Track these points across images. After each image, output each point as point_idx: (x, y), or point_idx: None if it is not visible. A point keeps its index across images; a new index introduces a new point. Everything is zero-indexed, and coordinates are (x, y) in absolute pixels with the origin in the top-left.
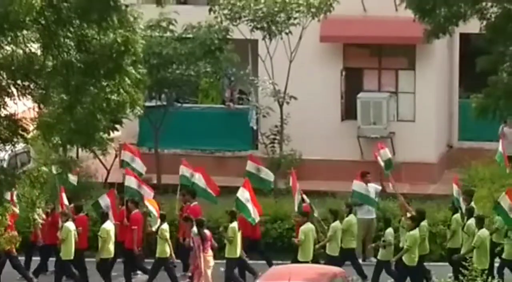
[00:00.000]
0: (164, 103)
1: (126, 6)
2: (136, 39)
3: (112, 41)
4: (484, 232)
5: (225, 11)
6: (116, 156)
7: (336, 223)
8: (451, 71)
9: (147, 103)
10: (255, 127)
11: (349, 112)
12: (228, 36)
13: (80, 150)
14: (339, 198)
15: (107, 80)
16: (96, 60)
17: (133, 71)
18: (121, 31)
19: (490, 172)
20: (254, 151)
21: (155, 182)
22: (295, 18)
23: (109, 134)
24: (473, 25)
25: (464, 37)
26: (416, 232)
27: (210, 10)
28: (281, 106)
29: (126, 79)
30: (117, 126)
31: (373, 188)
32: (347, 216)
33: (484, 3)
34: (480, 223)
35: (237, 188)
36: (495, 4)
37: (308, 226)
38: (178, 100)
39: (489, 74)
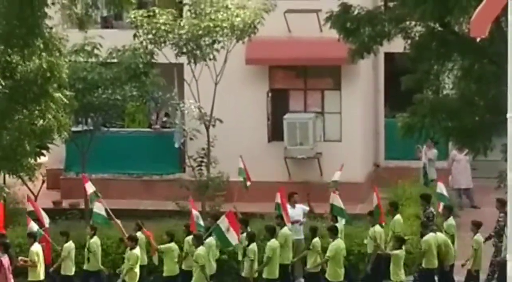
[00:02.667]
0: (91, 127)
1: (51, 28)
2: (61, 64)
3: (37, 66)
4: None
5: (150, 36)
6: (43, 182)
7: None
8: (376, 90)
9: (74, 128)
10: (177, 146)
11: (275, 133)
12: (154, 60)
13: (7, 176)
14: (268, 219)
15: (33, 106)
16: (22, 86)
17: (59, 95)
18: (45, 56)
19: (416, 190)
20: (181, 174)
21: (82, 207)
22: (219, 42)
23: (36, 160)
24: (398, 44)
25: (388, 56)
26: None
27: (134, 35)
28: (207, 129)
29: (52, 104)
30: (44, 151)
31: (300, 209)
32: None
33: (408, 22)
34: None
35: (165, 211)
36: (418, 23)
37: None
38: (104, 124)
39: (414, 93)
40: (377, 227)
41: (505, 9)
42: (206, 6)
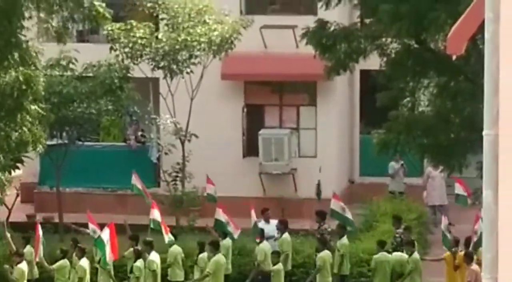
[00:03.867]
0: (66, 141)
1: (27, 41)
2: (37, 76)
3: (13, 79)
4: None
5: (126, 49)
6: (17, 195)
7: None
8: (352, 107)
9: (48, 142)
10: (153, 160)
11: (251, 148)
12: (129, 75)
13: None
14: (244, 234)
15: (8, 119)
16: None
17: (35, 108)
18: (22, 69)
19: (391, 206)
20: (156, 189)
21: (56, 220)
22: (196, 57)
23: (10, 173)
24: (373, 62)
25: (364, 73)
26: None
27: (111, 48)
28: (182, 143)
29: (28, 117)
30: (18, 165)
31: (275, 225)
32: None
33: (384, 39)
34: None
35: (139, 226)
36: (394, 40)
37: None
38: (79, 138)
39: (389, 110)
40: (261, 245)
41: (481, 27)
42: (184, 20)
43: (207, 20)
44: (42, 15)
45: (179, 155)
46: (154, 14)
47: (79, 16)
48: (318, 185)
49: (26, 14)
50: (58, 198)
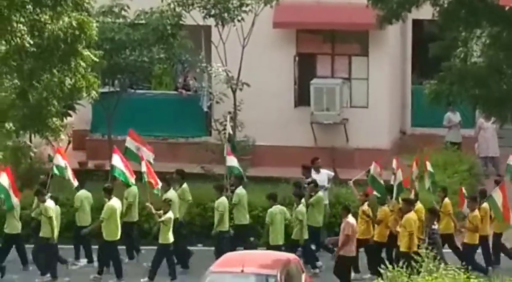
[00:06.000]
0: (117, 89)
1: None
2: (90, 21)
3: (66, 24)
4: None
5: None
6: (69, 142)
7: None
8: (404, 57)
9: (101, 89)
10: (205, 109)
11: (302, 98)
12: (181, 22)
13: (33, 136)
14: (293, 184)
15: (62, 65)
16: (50, 45)
17: (89, 54)
18: (75, 14)
19: (442, 158)
20: (207, 137)
21: (108, 168)
22: (247, 5)
23: (62, 120)
24: (426, 11)
25: (417, 23)
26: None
27: None
28: (234, 92)
29: (82, 63)
30: (70, 112)
31: (325, 174)
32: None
33: None
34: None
35: (190, 174)
36: None
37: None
38: (131, 86)
39: (442, 60)
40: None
41: None
42: None
43: None
44: None
45: (230, 103)
46: None
47: None
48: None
49: None
50: (110, 145)
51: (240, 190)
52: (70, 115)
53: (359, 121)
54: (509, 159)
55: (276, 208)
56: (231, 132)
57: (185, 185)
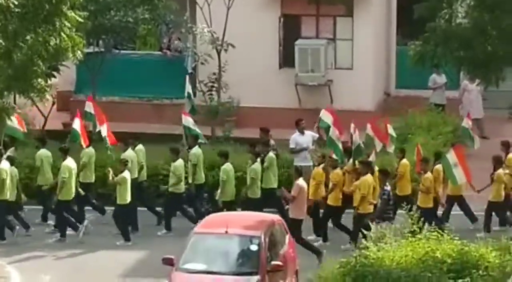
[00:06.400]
0: (102, 49)
1: None
2: None
3: None
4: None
5: None
6: (53, 103)
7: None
8: (389, 18)
9: (85, 50)
10: (189, 70)
11: (287, 59)
12: None
13: (17, 96)
14: (278, 145)
15: (47, 25)
16: (35, 5)
17: (73, 15)
18: None
19: (427, 119)
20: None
21: (91, 129)
22: None
23: (46, 81)
24: None
25: None
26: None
27: None
28: (219, 53)
29: (67, 23)
30: (55, 73)
31: (310, 136)
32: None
33: None
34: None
35: (174, 135)
36: None
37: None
38: (116, 47)
39: (426, 21)
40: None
41: None
42: None
43: None
44: None
45: (215, 65)
46: None
47: None
48: None
49: None
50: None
51: (196, 150)
52: (55, 77)
53: (343, 82)
54: (464, 122)
55: (228, 166)
56: (190, 91)
57: (139, 146)
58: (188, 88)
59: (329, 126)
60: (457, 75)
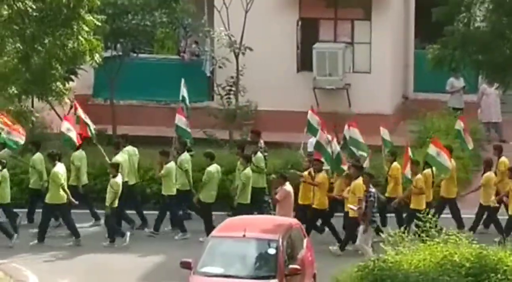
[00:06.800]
0: (120, 53)
1: None
2: None
3: None
4: None
5: None
6: (71, 107)
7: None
8: (407, 21)
9: (103, 54)
10: (207, 74)
11: (305, 63)
12: None
13: (35, 100)
14: (295, 148)
15: (65, 29)
16: (53, 9)
17: (91, 18)
18: None
19: (445, 123)
20: (209, 102)
21: (110, 132)
22: None
23: (64, 85)
24: None
25: None
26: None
27: None
28: (237, 57)
29: (84, 26)
30: (73, 76)
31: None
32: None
33: None
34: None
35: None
36: None
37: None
38: (133, 50)
39: (444, 25)
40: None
41: None
42: None
43: None
44: None
45: (233, 68)
46: None
47: None
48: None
49: None
50: (112, 110)
51: (185, 156)
52: (72, 80)
53: (361, 86)
54: (456, 124)
55: (214, 167)
56: (185, 95)
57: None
58: (183, 91)
59: (317, 130)
60: (476, 79)
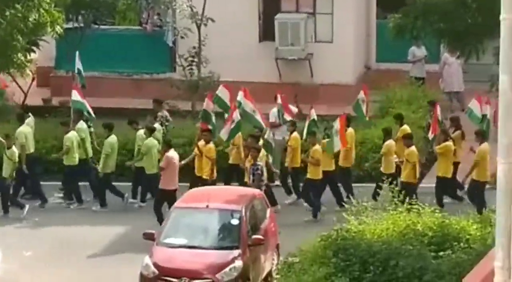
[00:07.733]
0: (81, 25)
1: None
2: None
3: None
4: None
5: None
6: (33, 79)
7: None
8: None
9: (64, 25)
10: (170, 45)
11: (267, 33)
12: None
13: None
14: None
15: (26, 1)
16: None
17: None
18: None
19: (407, 92)
20: (172, 73)
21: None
22: None
23: (26, 56)
24: None
25: None
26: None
27: None
28: (199, 28)
29: None
30: (34, 48)
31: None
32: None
33: None
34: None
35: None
36: None
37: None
38: (95, 22)
39: None
40: None
41: None
42: None
43: None
44: None
45: (195, 39)
46: None
47: None
48: None
49: None
50: (74, 81)
51: (81, 125)
52: (34, 52)
53: (323, 56)
54: (359, 95)
55: (113, 138)
56: (81, 68)
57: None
58: (78, 64)
59: (226, 105)
60: (437, 49)
